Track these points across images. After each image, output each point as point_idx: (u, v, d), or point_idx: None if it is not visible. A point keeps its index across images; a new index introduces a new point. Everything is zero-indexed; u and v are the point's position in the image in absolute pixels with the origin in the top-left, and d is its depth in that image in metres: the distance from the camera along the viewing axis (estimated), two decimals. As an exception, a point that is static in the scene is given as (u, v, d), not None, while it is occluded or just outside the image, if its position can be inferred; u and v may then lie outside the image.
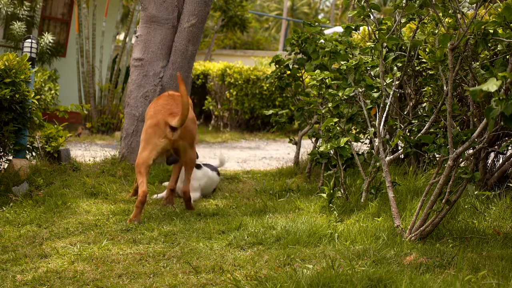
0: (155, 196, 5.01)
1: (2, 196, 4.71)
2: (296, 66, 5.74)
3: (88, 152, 7.51)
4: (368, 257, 3.23)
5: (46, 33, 11.21)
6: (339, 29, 15.48)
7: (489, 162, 4.82)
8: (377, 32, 4.10)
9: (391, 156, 4.08)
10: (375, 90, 4.31)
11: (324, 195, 4.43)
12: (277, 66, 5.82)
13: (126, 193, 5.00)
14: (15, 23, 10.43)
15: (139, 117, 5.66)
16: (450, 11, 3.57)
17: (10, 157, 5.29)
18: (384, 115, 4.20)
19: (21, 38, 10.25)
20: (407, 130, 4.83)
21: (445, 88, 3.66)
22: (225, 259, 3.32)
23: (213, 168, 5.33)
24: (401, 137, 4.06)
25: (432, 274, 2.97)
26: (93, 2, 10.47)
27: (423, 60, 4.49)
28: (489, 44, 3.53)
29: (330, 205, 4.37)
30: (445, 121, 4.04)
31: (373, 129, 4.39)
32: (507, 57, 3.50)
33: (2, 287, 3.00)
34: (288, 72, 5.79)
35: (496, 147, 4.58)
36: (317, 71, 4.82)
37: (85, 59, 10.34)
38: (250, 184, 5.63)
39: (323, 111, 4.87)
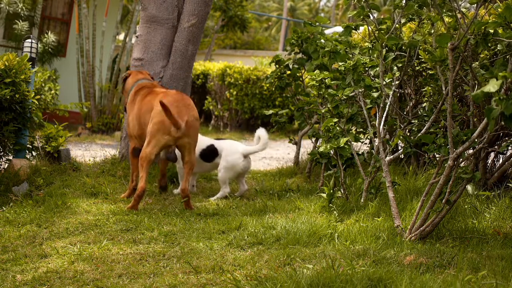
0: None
1: (2, 196, 4.71)
2: (296, 66, 5.74)
3: (88, 152, 7.51)
4: (368, 257, 3.23)
5: (49, 32, 11.21)
6: (339, 29, 15.46)
7: (489, 162, 4.82)
8: (376, 32, 4.10)
9: (391, 156, 4.07)
10: (374, 90, 4.31)
11: (324, 195, 4.43)
12: (277, 66, 5.82)
13: (126, 193, 5.00)
14: (17, 22, 10.43)
15: (139, 117, 5.66)
16: (444, 10, 3.57)
17: (10, 157, 5.28)
18: (384, 115, 4.20)
19: (22, 38, 10.25)
20: (407, 130, 4.83)
21: (444, 88, 3.65)
22: (225, 259, 3.32)
23: None
24: (401, 137, 4.06)
25: (432, 274, 2.97)
26: (93, 2, 10.47)
27: (423, 60, 4.49)
28: (489, 44, 3.53)
29: (330, 205, 4.37)
30: (445, 121, 4.04)
31: (373, 129, 4.39)
32: (507, 57, 3.50)
33: (2, 287, 3.00)
34: (288, 72, 5.78)
35: (496, 147, 4.58)
36: (317, 71, 4.82)
37: (85, 59, 10.34)
38: (250, 184, 5.63)
39: (323, 111, 4.86)
